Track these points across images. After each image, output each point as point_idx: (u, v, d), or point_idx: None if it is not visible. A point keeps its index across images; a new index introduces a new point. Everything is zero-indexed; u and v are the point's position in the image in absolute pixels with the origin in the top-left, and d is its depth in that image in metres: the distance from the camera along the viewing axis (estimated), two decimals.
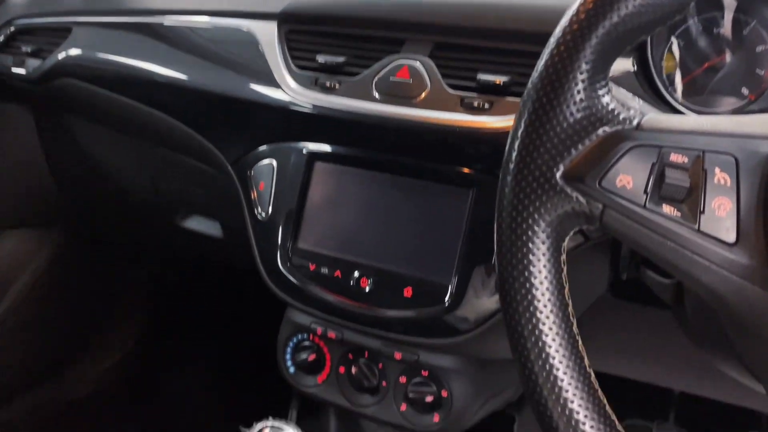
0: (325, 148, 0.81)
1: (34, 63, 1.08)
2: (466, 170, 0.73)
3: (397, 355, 0.81)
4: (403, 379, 0.83)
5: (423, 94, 0.74)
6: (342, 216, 0.80)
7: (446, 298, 0.73)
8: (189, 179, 1.09)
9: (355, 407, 0.86)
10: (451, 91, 0.73)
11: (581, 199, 0.43)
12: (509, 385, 0.86)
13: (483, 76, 0.71)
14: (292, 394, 0.99)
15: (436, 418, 0.81)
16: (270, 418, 0.65)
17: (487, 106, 0.71)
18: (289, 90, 0.81)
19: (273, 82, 0.82)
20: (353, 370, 0.85)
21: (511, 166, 0.44)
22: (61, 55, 1.03)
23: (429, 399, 0.81)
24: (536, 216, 0.43)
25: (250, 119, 0.86)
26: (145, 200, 1.21)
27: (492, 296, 0.73)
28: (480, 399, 0.82)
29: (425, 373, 0.81)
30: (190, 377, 1.58)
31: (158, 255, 1.53)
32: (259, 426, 0.65)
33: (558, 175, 0.43)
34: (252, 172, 0.86)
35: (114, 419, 1.50)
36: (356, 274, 0.78)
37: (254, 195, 0.85)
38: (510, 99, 0.71)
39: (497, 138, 0.70)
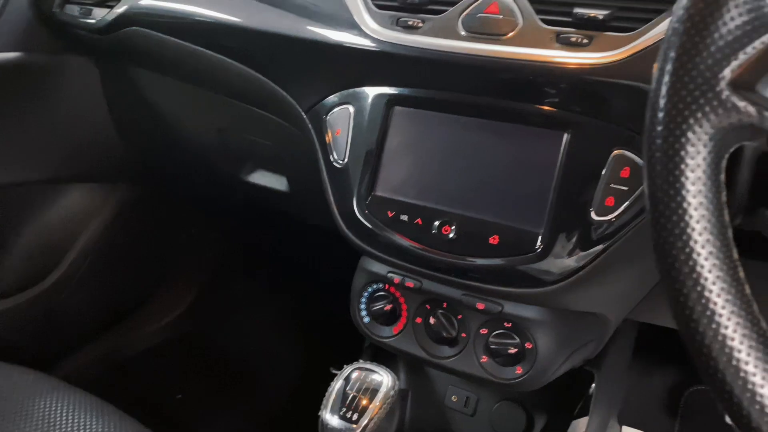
0: (406, 91, 0.78)
1: (101, 13, 1.07)
2: (559, 111, 0.70)
3: (480, 306, 0.78)
4: (484, 331, 0.80)
5: (514, 31, 0.70)
6: (423, 162, 0.77)
7: (536, 247, 0.70)
8: (257, 131, 1.07)
9: (432, 358, 0.84)
10: (545, 26, 0.69)
11: (751, 109, 0.38)
12: (594, 337, 0.83)
13: (580, 11, 0.67)
14: (364, 343, 0.98)
15: (518, 370, 0.79)
16: (360, 360, 0.64)
17: (585, 41, 0.67)
18: (368, 30, 0.78)
19: (351, 23, 0.79)
20: (431, 320, 0.83)
21: (667, 72, 0.40)
22: (128, 4, 1.02)
23: (512, 351, 0.78)
24: (696, 128, 0.39)
25: (326, 63, 0.83)
26: (211, 154, 1.20)
27: (585, 246, 0.69)
28: (565, 351, 0.79)
29: (508, 325, 0.79)
30: (255, 329, 1.59)
31: (223, 210, 1.53)
32: (349, 368, 0.63)
33: (723, 82, 0.39)
34: (328, 118, 0.83)
35: (175, 374, 1.53)
36: (438, 221, 0.76)
37: (330, 141, 0.83)
38: (611, 34, 0.66)
39: (597, 76, 0.66)
